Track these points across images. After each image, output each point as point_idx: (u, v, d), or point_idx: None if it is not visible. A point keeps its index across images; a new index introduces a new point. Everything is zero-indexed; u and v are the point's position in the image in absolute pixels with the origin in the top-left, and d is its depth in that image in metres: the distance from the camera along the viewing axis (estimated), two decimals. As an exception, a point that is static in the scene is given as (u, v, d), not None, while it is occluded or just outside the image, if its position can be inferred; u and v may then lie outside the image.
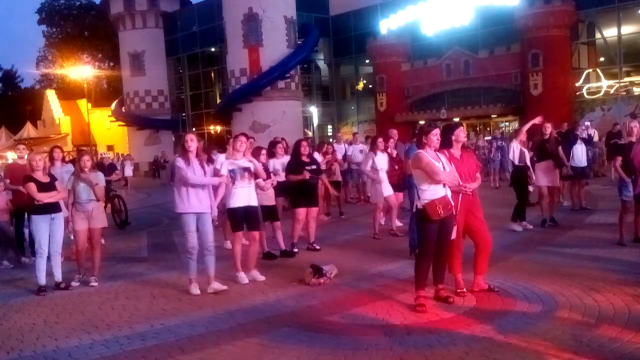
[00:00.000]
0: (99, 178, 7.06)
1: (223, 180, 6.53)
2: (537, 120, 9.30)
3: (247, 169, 6.76)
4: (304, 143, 8.51)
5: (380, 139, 9.32)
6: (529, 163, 9.02)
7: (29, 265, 8.04)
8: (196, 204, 6.20)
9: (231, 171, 6.67)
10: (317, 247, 8.37)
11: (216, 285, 6.31)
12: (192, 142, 6.26)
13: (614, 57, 26.50)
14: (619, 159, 7.70)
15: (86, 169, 6.88)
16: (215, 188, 6.52)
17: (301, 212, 8.22)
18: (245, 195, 6.75)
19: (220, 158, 7.06)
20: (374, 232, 9.09)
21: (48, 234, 6.69)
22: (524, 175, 8.97)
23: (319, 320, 5.13)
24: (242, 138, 6.90)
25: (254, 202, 6.87)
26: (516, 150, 8.96)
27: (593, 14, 26.60)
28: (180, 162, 6.23)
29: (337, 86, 37.93)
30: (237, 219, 6.76)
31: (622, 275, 5.95)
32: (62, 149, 9.03)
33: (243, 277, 6.67)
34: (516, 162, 9.00)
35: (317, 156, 11.75)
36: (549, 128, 9.41)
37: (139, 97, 38.33)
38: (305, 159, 8.31)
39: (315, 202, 8.51)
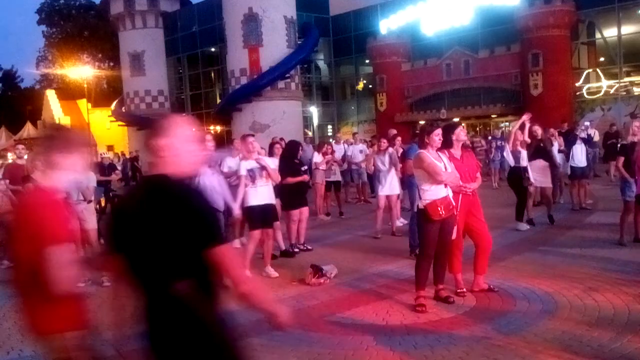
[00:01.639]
0: (89, 179, 7.07)
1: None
2: (525, 117, 9.39)
3: (264, 168, 6.92)
4: (300, 146, 8.62)
5: (383, 140, 9.37)
6: (525, 164, 9.04)
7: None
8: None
9: (250, 171, 6.80)
10: (309, 248, 8.39)
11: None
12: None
13: (614, 57, 26.48)
14: (621, 159, 7.69)
15: None
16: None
17: (295, 213, 8.28)
18: (265, 194, 6.92)
19: (228, 161, 7.12)
20: (376, 231, 9.08)
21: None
22: (519, 175, 9.03)
23: (319, 321, 5.13)
24: (250, 138, 7.11)
25: (271, 200, 7.03)
26: (509, 154, 9.15)
27: (593, 14, 26.58)
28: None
29: (337, 86, 37.89)
30: (254, 218, 6.82)
31: (622, 275, 5.95)
32: None
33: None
34: (512, 164, 9.15)
35: (317, 157, 11.83)
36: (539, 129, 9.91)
37: (139, 97, 38.27)
38: (296, 161, 8.43)
39: (305, 202, 8.58)
